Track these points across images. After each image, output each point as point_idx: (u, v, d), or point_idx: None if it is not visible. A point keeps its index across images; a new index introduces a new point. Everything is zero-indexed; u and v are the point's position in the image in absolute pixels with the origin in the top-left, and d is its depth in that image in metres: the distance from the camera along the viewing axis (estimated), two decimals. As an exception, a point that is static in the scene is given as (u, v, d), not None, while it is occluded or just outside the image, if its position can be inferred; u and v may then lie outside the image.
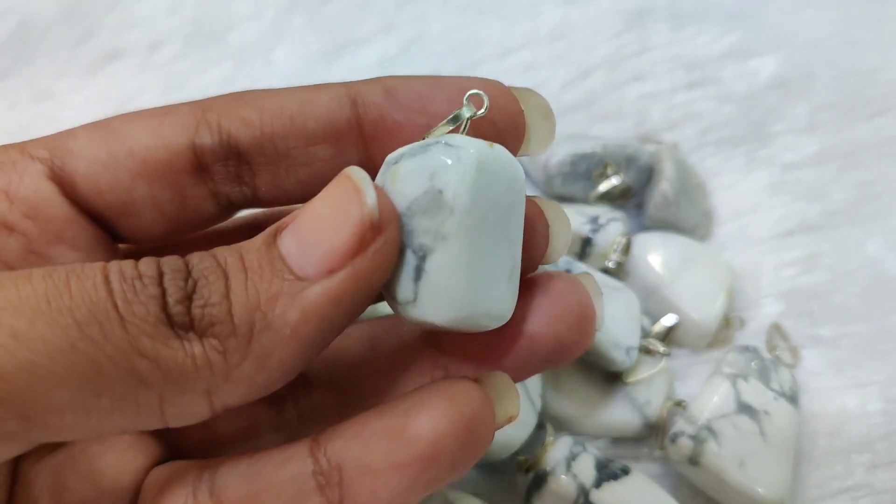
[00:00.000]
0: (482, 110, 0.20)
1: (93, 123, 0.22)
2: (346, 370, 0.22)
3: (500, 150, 0.19)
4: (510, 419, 0.20)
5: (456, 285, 0.18)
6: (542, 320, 0.20)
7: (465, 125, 0.20)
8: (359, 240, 0.17)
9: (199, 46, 0.44)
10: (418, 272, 0.18)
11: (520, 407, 0.20)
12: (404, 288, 0.19)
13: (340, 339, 0.20)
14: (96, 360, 0.16)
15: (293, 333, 0.17)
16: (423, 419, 0.18)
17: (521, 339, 0.21)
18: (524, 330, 0.20)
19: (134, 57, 0.43)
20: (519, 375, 0.21)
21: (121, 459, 0.21)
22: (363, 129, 0.21)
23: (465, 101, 0.20)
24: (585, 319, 0.21)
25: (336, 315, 0.18)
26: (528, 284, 0.21)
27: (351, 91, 0.21)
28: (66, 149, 0.21)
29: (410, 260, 0.18)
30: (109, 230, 0.22)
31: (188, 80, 0.42)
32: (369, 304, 0.19)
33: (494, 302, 0.19)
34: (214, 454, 0.21)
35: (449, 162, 0.18)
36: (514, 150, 0.21)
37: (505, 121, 0.21)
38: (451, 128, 0.20)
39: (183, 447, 0.22)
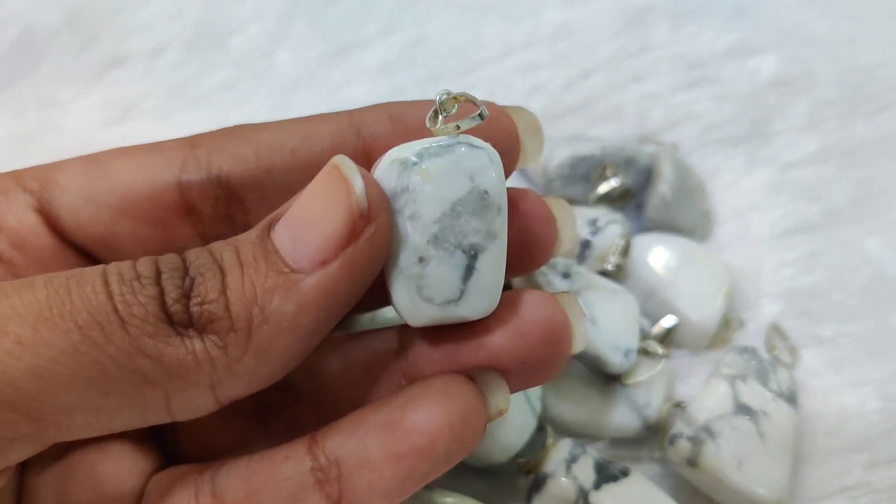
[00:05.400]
0: (477, 115, 0.20)
1: (85, 156, 0.22)
2: (324, 384, 0.22)
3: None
4: (500, 412, 0.20)
5: (496, 280, 0.19)
6: (506, 336, 0.20)
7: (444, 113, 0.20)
8: (349, 229, 0.18)
9: (201, 51, 0.44)
10: (469, 271, 0.19)
11: (509, 401, 0.20)
12: (449, 288, 0.19)
13: (318, 353, 0.20)
14: (100, 361, 0.17)
15: (291, 326, 0.18)
16: (419, 412, 0.19)
17: (483, 354, 0.20)
18: (486, 345, 0.20)
19: (137, 63, 0.43)
20: None
21: (121, 466, 0.21)
22: (371, 158, 0.21)
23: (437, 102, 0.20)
24: (556, 340, 0.20)
25: (332, 305, 0.18)
26: (502, 299, 0.20)
27: (354, 120, 0.22)
28: (53, 181, 0.22)
29: (459, 260, 0.19)
30: (95, 263, 0.23)
31: (191, 84, 0.43)
32: (364, 292, 0.19)
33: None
34: (209, 462, 0.22)
35: (489, 162, 0.19)
36: (511, 164, 0.22)
37: (503, 139, 0.21)
38: (455, 124, 0.20)
39: (179, 457, 0.23)
